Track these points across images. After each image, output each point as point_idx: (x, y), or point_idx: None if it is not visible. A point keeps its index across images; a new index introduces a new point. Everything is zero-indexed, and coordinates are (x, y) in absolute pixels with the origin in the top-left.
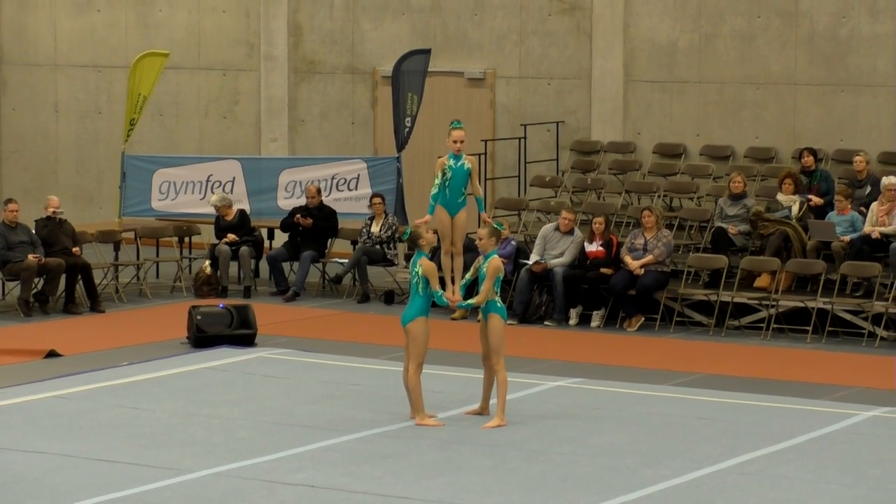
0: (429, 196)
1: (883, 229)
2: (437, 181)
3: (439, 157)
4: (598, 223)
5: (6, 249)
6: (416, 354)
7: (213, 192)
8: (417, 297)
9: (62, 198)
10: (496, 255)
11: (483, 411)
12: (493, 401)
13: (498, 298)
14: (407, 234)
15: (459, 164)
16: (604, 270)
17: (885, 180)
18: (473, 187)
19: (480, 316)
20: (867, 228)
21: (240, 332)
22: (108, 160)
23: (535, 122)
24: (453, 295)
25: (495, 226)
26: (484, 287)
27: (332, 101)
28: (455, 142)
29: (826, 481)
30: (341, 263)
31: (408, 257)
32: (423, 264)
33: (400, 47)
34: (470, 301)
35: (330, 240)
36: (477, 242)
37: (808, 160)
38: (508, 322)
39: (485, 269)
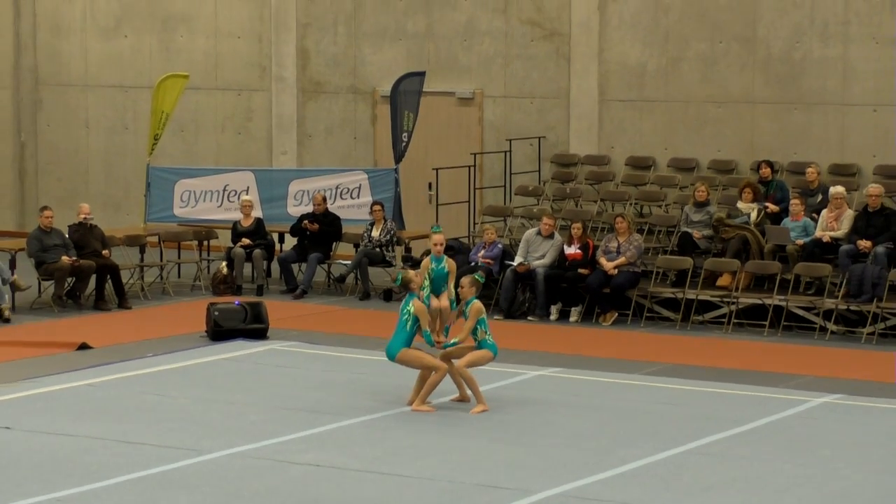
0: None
1: (833, 233)
2: (426, 284)
3: (424, 258)
4: (576, 228)
5: (42, 252)
6: (424, 368)
7: (229, 201)
8: (403, 331)
9: (92, 205)
10: (477, 300)
11: (463, 398)
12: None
13: (489, 337)
14: (399, 280)
15: (440, 266)
16: (581, 271)
17: (833, 189)
18: (448, 289)
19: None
20: (818, 233)
21: (253, 327)
22: (134, 171)
23: (519, 136)
24: (439, 337)
25: (476, 277)
26: (466, 325)
27: (336, 119)
28: (435, 244)
29: (782, 461)
30: (345, 264)
31: (405, 259)
32: (414, 304)
33: (397, 70)
34: (455, 340)
35: (334, 243)
36: (459, 290)
37: (766, 171)
38: (495, 317)
39: (468, 311)
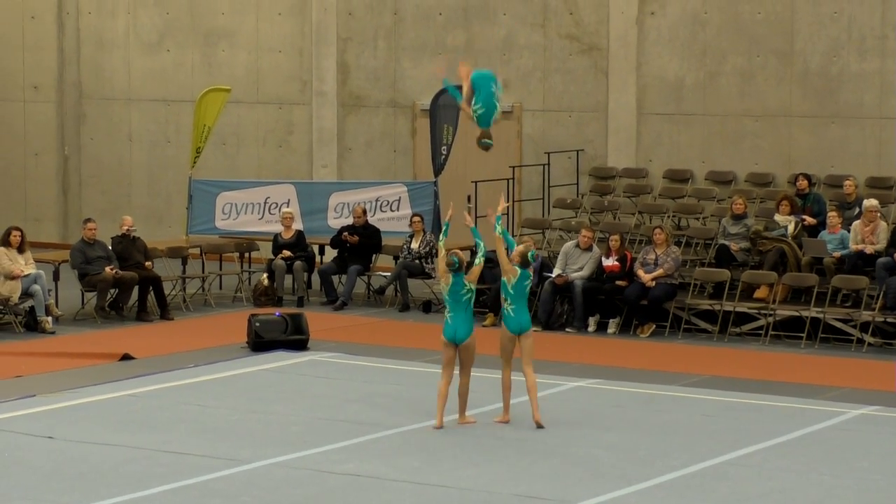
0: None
1: (873, 247)
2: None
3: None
4: (614, 240)
5: (85, 263)
6: (470, 365)
7: (270, 213)
8: (466, 311)
9: (135, 218)
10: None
11: (505, 420)
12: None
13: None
14: (456, 262)
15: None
16: (619, 283)
17: (868, 202)
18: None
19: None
20: (853, 245)
21: (294, 338)
22: (176, 184)
23: (558, 150)
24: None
25: (530, 255)
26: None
27: (376, 132)
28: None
29: (818, 472)
30: (384, 276)
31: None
32: (469, 279)
33: (437, 84)
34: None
35: (374, 255)
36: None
37: (803, 184)
38: (534, 328)
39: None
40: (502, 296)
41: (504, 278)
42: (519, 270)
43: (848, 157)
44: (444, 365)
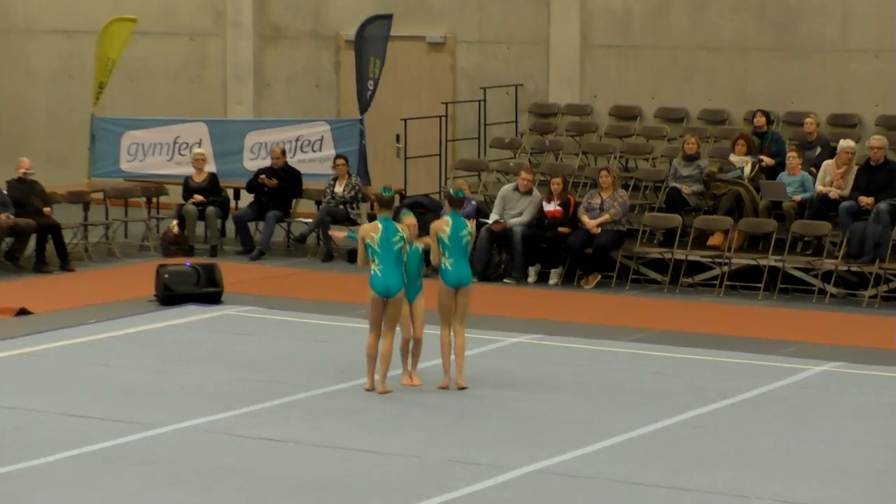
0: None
1: (841, 192)
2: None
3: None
4: (556, 183)
5: None
6: (395, 324)
7: (181, 154)
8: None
9: (35, 161)
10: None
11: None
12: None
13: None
14: (461, 192)
15: (414, 247)
16: (561, 229)
17: (844, 143)
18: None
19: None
20: (820, 188)
21: (206, 291)
22: (78, 123)
23: (495, 85)
24: (411, 380)
25: (452, 190)
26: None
27: (297, 66)
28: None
29: (777, 434)
30: (306, 223)
31: (370, 217)
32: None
33: (363, 13)
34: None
35: (294, 200)
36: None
37: (760, 121)
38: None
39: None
40: (440, 250)
41: (440, 235)
42: (450, 219)
43: (808, 93)
44: (399, 323)
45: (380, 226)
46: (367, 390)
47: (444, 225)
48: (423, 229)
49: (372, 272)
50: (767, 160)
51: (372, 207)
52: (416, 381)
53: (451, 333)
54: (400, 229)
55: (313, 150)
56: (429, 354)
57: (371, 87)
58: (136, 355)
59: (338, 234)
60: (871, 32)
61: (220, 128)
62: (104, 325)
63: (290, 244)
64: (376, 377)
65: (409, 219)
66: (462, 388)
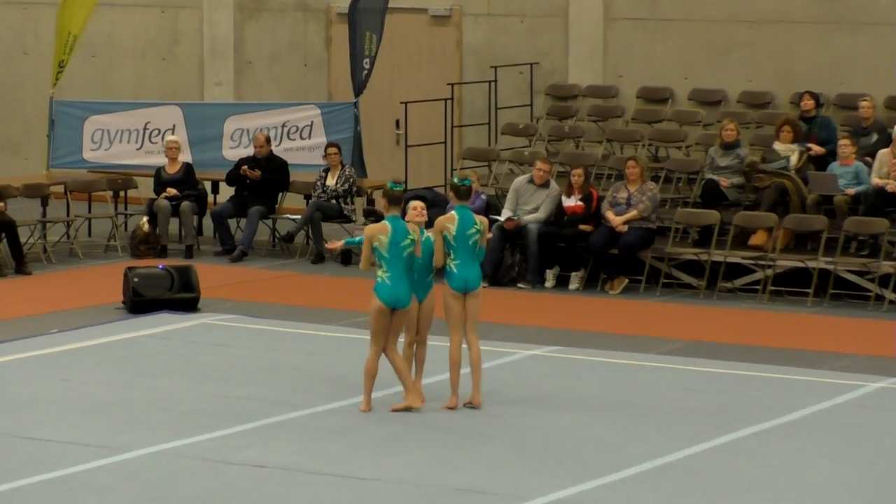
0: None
1: None
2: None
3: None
4: (577, 175)
5: None
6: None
7: (151, 142)
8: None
9: None
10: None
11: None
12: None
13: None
14: (468, 180)
15: (424, 237)
16: (583, 227)
17: None
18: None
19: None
20: (877, 180)
21: (181, 296)
22: (35, 107)
23: (507, 63)
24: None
25: (456, 178)
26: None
27: (283, 42)
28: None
29: (824, 457)
30: (293, 220)
31: (366, 213)
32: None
33: None
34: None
35: (280, 194)
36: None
37: (808, 104)
38: (483, 285)
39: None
40: (445, 251)
41: (445, 233)
42: (456, 214)
43: (861, 71)
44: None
45: (388, 227)
46: (364, 411)
47: (448, 221)
48: (428, 227)
49: (379, 279)
50: (816, 148)
51: (368, 203)
52: (416, 401)
53: (463, 344)
54: (410, 230)
55: (301, 138)
56: (431, 369)
57: (367, 66)
58: (102, 369)
59: (333, 244)
60: None
61: (196, 112)
62: (65, 336)
63: (275, 243)
64: (376, 395)
65: (417, 202)
66: (472, 406)
